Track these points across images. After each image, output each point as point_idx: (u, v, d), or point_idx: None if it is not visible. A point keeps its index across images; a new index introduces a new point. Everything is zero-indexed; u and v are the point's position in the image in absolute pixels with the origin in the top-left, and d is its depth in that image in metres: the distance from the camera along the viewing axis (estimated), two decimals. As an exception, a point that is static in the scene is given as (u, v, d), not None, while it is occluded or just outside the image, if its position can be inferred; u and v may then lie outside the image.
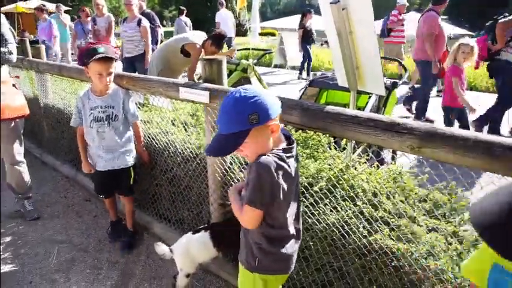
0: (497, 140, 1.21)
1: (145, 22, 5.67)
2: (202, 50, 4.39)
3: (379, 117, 1.46)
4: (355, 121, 1.49)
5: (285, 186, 1.34)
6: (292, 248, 1.51)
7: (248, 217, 1.39)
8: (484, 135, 1.25)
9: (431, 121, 5.78)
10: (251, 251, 1.50)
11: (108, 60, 2.44)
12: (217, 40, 4.40)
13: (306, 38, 10.19)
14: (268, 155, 1.32)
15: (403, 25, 8.67)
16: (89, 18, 7.63)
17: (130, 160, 2.68)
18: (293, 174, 1.38)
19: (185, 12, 10.20)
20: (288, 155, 1.37)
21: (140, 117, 2.82)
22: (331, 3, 1.82)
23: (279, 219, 1.42)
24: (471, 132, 1.28)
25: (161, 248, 2.21)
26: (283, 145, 1.40)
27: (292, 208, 1.48)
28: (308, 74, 10.41)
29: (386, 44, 8.90)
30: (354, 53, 1.99)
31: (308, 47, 10.35)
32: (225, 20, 10.07)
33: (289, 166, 1.35)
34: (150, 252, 2.74)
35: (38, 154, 4.55)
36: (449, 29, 18.59)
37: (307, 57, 10.50)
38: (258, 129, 1.27)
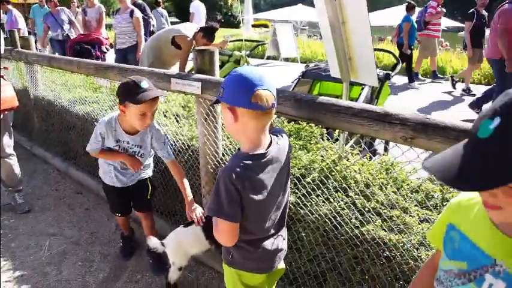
0: None
1: (137, 13, 5.60)
2: (194, 42, 4.35)
3: (372, 108, 1.45)
4: (349, 112, 1.49)
5: (256, 196, 1.27)
6: (270, 247, 1.45)
7: (219, 231, 1.31)
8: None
9: None
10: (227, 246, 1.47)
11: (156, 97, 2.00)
12: (209, 32, 4.36)
13: None
14: (234, 159, 1.28)
15: (440, 18, 8.33)
16: (79, 9, 7.48)
17: (148, 172, 2.43)
18: (268, 180, 1.30)
19: (162, 4, 10.03)
20: (260, 161, 1.28)
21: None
22: (324, -7, 1.81)
23: (249, 229, 1.36)
24: (464, 123, 1.28)
25: (153, 242, 2.19)
26: (258, 149, 1.30)
27: (274, 213, 1.41)
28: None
29: (421, 37, 8.53)
30: (346, 44, 1.97)
31: None
32: (198, 11, 10.00)
33: (258, 174, 1.27)
34: (142, 244, 2.73)
35: (28, 146, 4.50)
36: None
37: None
38: (222, 104, 1.28)
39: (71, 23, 7.23)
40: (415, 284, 1.20)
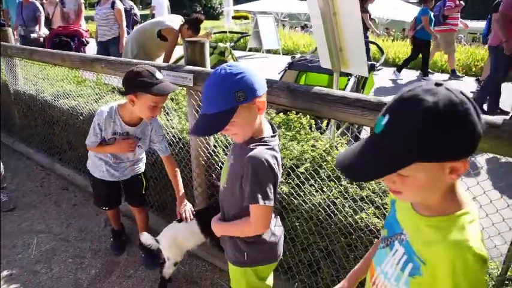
0: (483, 118, 1.24)
1: (119, 4, 5.47)
2: (179, 34, 4.32)
3: (367, 98, 1.47)
4: (344, 102, 1.51)
5: (279, 176, 1.33)
6: (277, 233, 1.51)
7: (259, 217, 1.32)
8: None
9: (507, 113, 5.10)
10: (237, 247, 1.48)
11: None
12: (194, 24, 4.33)
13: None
14: (259, 146, 1.29)
15: (459, 12, 7.99)
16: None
17: (141, 166, 2.39)
18: (280, 160, 1.37)
19: None
20: (276, 142, 1.35)
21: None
22: (315, -17, 1.81)
23: None
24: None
25: (145, 237, 2.16)
26: (270, 132, 1.36)
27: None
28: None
29: (439, 33, 8.03)
30: (337, 35, 1.99)
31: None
32: (160, 3, 9.78)
33: (279, 153, 1.34)
34: (134, 239, 2.71)
35: (8, 143, 4.38)
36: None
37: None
38: (245, 106, 1.22)
39: (36, 19, 6.70)
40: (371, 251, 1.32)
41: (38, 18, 6.70)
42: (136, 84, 1.88)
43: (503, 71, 5.35)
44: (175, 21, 4.38)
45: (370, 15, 8.59)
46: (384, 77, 8.49)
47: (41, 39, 6.54)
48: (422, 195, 0.85)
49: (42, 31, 6.63)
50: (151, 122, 2.14)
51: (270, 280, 1.62)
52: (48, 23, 6.99)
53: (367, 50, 8.95)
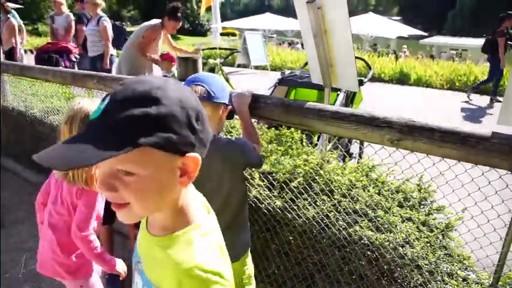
0: (471, 131, 1.29)
1: (104, 21, 5.45)
2: (163, 30, 4.48)
3: (360, 112, 1.51)
4: (337, 116, 1.54)
5: None
6: None
7: None
8: (459, 127, 1.33)
9: None
10: None
11: None
12: (172, 12, 4.41)
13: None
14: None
15: None
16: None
17: None
18: None
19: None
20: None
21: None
22: (307, 2, 1.86)
23: None
24: (447, 125, 1.35)
25: None
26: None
27: None
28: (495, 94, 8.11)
29: None
30: (328, 51, 2.04)
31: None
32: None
33: None
34: (126, 255, 2.67)
35: (-5, 159, 4.31)
36: (402, 30, 19.48)
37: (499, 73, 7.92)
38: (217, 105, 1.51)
39: None
40: None
41: None
42: None
43: None
44: (154, 21, 4.51)
45: (507, 38, 7.53)
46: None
47: None
48: (152, 204, 0.72)
49: None
50: None
51: None
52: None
53: None
